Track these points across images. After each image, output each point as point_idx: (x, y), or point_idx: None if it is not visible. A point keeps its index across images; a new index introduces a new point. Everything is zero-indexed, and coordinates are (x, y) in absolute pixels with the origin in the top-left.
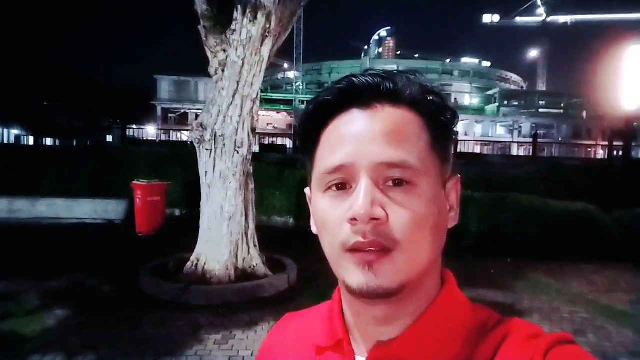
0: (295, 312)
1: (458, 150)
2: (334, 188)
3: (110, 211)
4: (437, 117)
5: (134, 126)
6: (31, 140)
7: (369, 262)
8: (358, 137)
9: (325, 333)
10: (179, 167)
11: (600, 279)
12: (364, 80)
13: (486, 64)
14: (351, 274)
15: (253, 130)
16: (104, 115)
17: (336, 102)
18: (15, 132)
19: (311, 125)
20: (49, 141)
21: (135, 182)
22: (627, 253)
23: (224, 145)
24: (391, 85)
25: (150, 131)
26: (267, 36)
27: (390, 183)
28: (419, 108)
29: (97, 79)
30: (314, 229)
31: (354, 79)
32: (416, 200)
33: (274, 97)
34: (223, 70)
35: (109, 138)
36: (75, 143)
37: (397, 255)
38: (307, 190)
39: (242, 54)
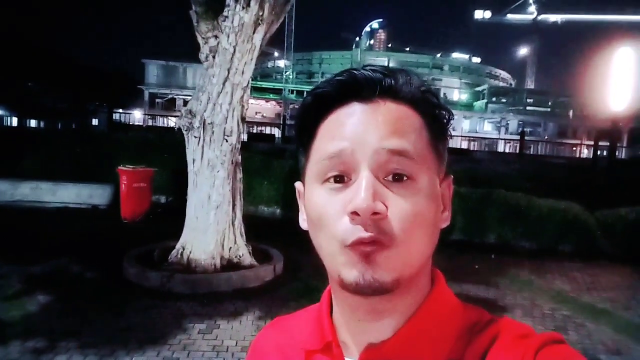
0: (284, 315)
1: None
2: (332, 180)
3: (94, 196)
4: (436, 116)
5: (121, 110)
6: (15, 121)
7: (366, 255)
8: (360, 125)
9: (313, 336)
10: (165, 154)
11: (582, 277)
12: (365, 75)
13: (476, 60)
14: (348, 268)
15: (243, 119)
16: (90, 98)
17: (336, 95)
18: None
19: (308, 117)
20: (33, 122)
21: (120, 167)
22: (609, 252)
23: (212, 133)
24: (392, 81)
25: (137, 116)
26: (259, 24)
27: (390, 178)
28: (418, 106)
29: (84, 61)
30: (303, 225)
31: (355, 72)
32: (415, 196)
33: (263, 86)
34: (214, 57)
35: (95, 122)
36: (60, 125)
37: (393, 250)
38: (298, 184)
39: (233, 41)
